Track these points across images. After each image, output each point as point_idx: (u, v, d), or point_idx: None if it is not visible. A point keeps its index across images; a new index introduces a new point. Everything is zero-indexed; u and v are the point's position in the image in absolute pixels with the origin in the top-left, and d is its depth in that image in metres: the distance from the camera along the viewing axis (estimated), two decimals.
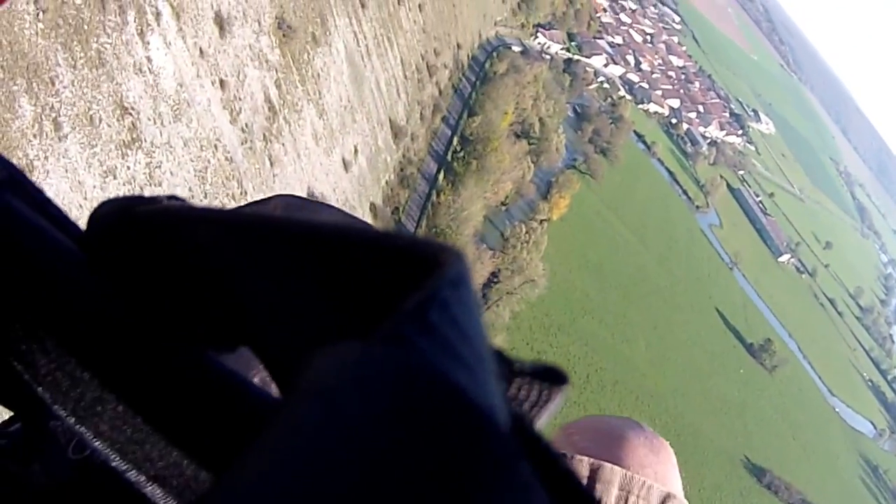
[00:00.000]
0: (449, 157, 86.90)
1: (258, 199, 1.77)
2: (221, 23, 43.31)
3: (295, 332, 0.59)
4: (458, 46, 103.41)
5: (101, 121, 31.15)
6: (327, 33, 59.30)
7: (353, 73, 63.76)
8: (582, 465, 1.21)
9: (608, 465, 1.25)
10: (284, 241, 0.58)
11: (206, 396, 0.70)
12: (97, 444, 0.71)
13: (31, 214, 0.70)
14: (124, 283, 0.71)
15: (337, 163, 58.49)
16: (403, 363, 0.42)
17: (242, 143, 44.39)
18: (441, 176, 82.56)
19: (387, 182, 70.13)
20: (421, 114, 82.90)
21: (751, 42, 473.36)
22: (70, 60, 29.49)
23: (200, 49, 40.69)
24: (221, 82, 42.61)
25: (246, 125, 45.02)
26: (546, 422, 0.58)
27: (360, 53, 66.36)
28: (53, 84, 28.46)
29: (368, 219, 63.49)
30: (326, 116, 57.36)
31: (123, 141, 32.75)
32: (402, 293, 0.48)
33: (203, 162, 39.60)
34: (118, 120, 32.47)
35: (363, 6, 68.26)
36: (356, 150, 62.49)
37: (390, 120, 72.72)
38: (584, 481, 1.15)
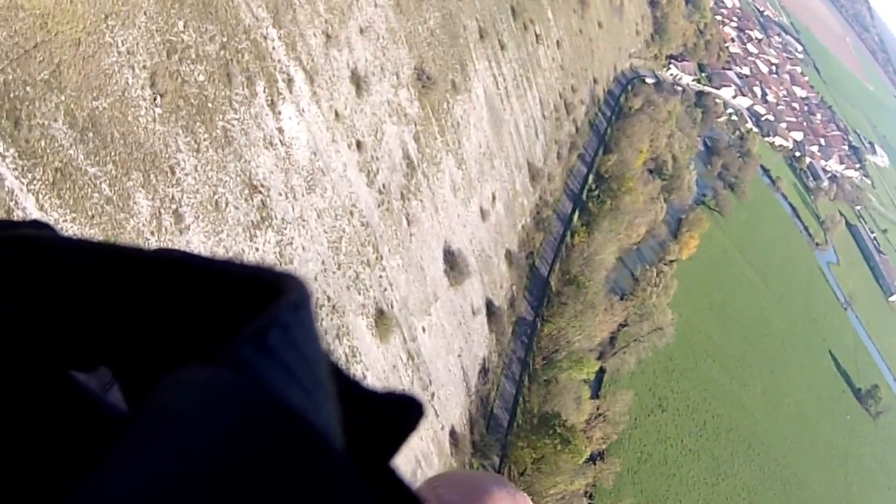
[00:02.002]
0: (584, 196, 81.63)
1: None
2: (358, 81, 38.83)
3: (144, 355, 0.58)
4: (595, 81, 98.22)
5: (227, 204, 26.83)
6: (467, 79, 54.60)
7: (492, 118, 58.92)
8: None
9: None
10: (135, 268, 0.57)
11: (60, 416, 0.64)
12: None
13: None
14: None
15: (475, 213, 53.70)
16: (240, 386, 0.43)
17: (379, 206, 39.84)
18: (576, 216, 77.39)
19: (523, 227, 65.18)
20: (558, 153, 77.89)
21: (867, 73, 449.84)
22: (192, 144, 25.18)
23: (336, 112, 36.23)
24: (358, 144, 38.10)
25: (383, 186, 40.48)
26: (400, 450, 0.55)
27: (499, 97, 61.52)
28: (174, 173, 24.20)
29: (503, 266, 58.98)
30: (465, 166, 52.64)
31: (252, 222, 28.45)
32: (246, 318, 0.49)
33: (338, 232, 35.12)
34: (246, 200, 28.15)
35: (503, 48, 63.47)
36: (494, 198, 57.66)
37: (528, 162, 67.82)
38: None
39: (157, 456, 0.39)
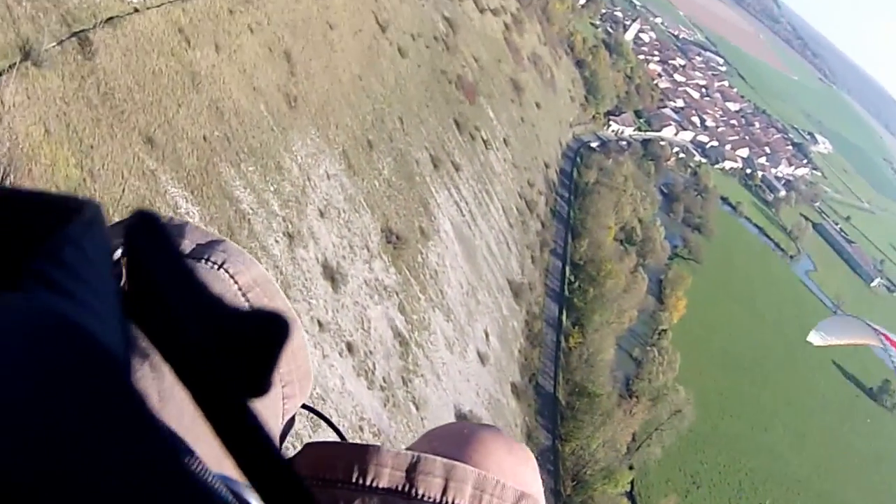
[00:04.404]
0: (566, 292, 78.46)
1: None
2: (332, 274, 35.32)
3: None
4: (546, 166, 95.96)
5: None
6: (433, 219, 51.41)
7: (465, 250, 55.71)
8: (436, 465, 1.16)
9: (462, 465, 1.20)
10: None
11: None
12: None
13: None
14: None
15: (473, 361, 50.14)
16: (29, 306, 0.46)
17: (385, 404, 36.07)
18: (564, 316, 74.11)
19: (519, 351, 61.75)
20: (532, 257, 75.01)
21: (788, 63, 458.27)
22: None
23: (319, 322, 32.49)
24: (349, 346, 34.36)
25: (384, 380, 36.76)
26: (270, 371, 0.54)
27: (466, 224, 58.46)
28: None
29: (513, 402, 55.62)
30: (453, 315, 49.13)
31: None
32: (42, 239, 0.52)
33: None
34: None
35: (457, 169, 60.65)
36: (487, 335, 54.19)
37: (508, 280, 64.64)
38: (439, 481, 1.13)
39: None
